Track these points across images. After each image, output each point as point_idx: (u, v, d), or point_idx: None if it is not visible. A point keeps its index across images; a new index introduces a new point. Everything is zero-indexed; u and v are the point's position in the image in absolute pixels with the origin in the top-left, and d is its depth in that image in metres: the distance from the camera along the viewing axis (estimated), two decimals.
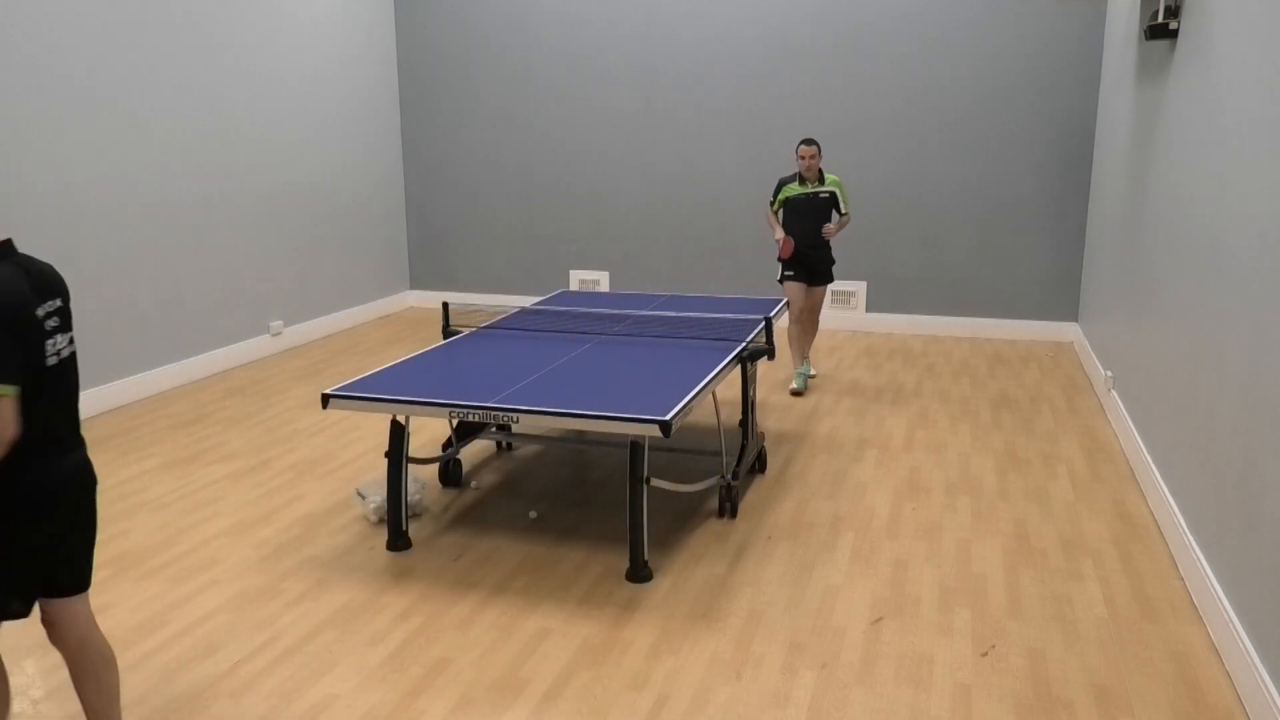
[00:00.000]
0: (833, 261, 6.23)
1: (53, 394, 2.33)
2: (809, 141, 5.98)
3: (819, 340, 7.60)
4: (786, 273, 6.17)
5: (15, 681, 3.05)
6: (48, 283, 2.32)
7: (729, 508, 4.25)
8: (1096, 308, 6.48)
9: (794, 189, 6.09)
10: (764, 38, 7.73)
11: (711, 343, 4.52)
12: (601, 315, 5.18)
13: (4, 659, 3.12)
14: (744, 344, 4.46)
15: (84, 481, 2.45)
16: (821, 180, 6.06)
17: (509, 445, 5.21)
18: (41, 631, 3.33)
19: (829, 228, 6.04)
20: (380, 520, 4.16)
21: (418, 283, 9.12)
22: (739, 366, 4.44)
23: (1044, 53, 7.20)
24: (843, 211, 6.11)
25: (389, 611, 3.46)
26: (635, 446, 3.61)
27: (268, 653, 3.20)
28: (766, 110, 7.84)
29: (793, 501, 4.43)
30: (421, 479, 4.41)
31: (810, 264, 6.13)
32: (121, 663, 3.14)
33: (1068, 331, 7.52)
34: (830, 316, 7.96)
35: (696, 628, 3.34)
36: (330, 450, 5.15)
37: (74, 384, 2.41)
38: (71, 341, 2.39)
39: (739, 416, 4.75)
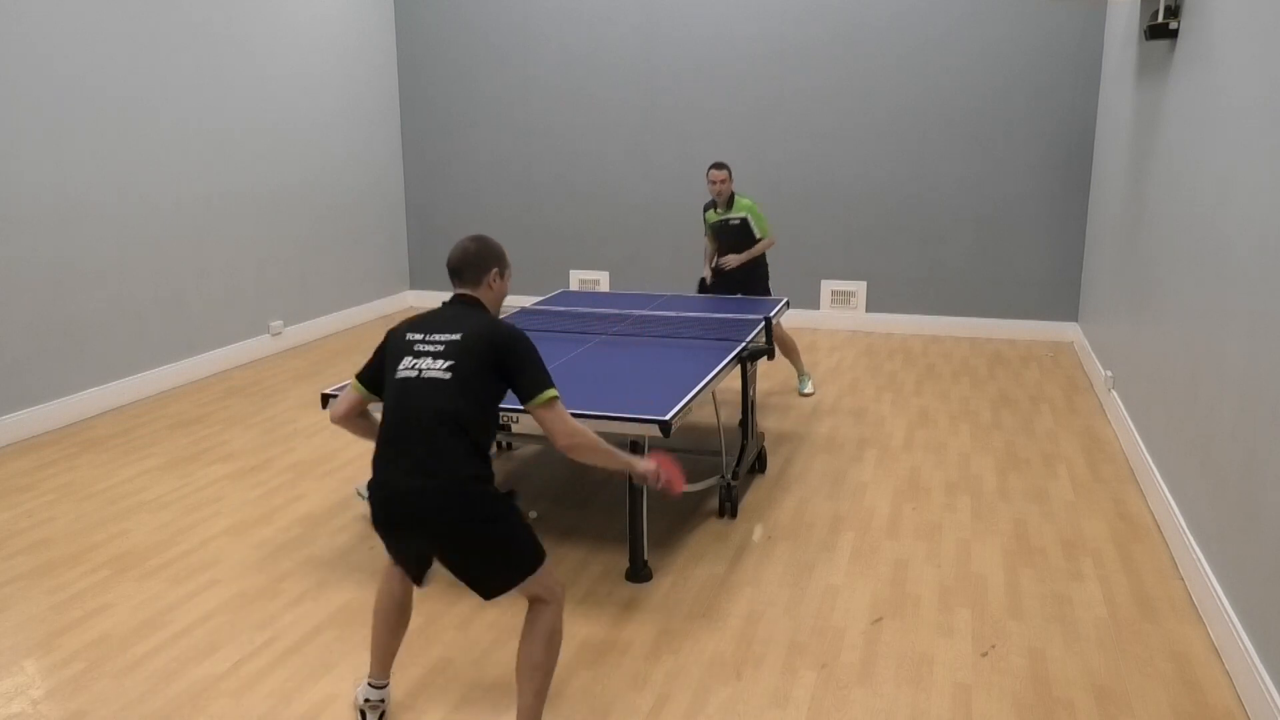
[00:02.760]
0: (761, 278, 5.93)
1: (391, 405, 2.57)
2: (718, 165, 5.72)
3: (818, 339, 7.60)
4: (704, 281, 6.04)
5: (15, 681, 3.05)
6: (441, 322, 2.63)
7: (729, 508, 4.25)
8: (1096, 308, 6.48)
9: (711, 216, 5.91)
10: (764, 37, 7.73)
11: (711, 343, 4.52)
12: (601, 315, 5.18)
13: (8, 655, 3.13)
14: (744, 344, 4.46)
15: (383, 505, 2.53)
16: (730, 206, 5.80)
17: (509, 445, 5.21)
18: (42, 631, 3.34)
19: (729, 258, 5.78)
20: None
21: (418, 282, 9.12)
22: (739, 366, 4.44)
23: (1044, 52, 7.20)
24: (758, 237, 5.82)
25: None
26: (635, 446, 3.61)
27: (268, 653, 3.20)
28: (766, 110, 7.84)
29: (793, 501, 4.43)
30: None
31: (729, 286, 5.91)
32: (121, 662, 3.14)
33: (1068, 331, 7.52)
34: (830, 316, 7.96)
35: (696, 628, 3.34)
36: (330, 450, 5.15)
37: (411, 406, 2.52)
38: (446, 370, 2.53)
39: (739, 416, 4.75)
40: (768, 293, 5.97)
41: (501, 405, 3.52)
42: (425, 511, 2.44)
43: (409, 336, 2.61)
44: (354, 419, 2.82)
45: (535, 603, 2.59)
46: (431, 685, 3.01)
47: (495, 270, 2.72)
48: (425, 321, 2.63)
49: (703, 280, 6.03)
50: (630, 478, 2.71)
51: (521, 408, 3.55)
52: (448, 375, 2.51)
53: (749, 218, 5.81)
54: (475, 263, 2.69)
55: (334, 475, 4.79)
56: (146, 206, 6.10)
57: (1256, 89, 3.23)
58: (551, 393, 2.55)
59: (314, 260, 7.72)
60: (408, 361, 2.57)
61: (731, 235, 5.86)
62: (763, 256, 5.93)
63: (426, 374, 2.52)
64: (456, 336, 2.56)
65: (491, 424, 2.58)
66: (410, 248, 9.07)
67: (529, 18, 8.26)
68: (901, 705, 2.90)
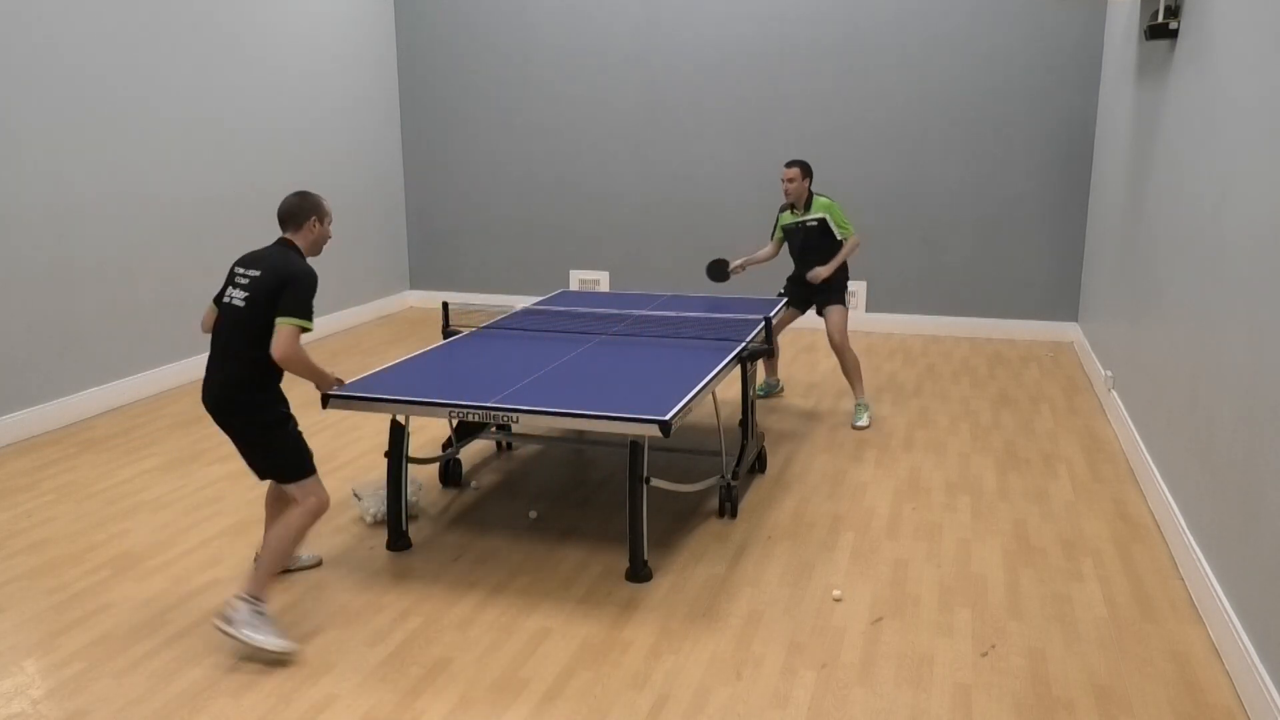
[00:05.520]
0: (840, 286, 5.59)
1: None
2: (791, 163, 5.41)
3: (818, 339, 7.60)
4: (779, 292, 5.79)
5: (15, 681, 3.05)
6: (255, 260, 3.30)
7: (729, 508, 4.24)
8: (1096, 308, 6.48)
9: (786, 218, 5.59)
10: (764, 37, 7.73)
11: (711, 343, 4.52)
12: (601, 315, 5.18)
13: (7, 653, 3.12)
14: (744, 344, 4.46)
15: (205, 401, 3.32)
16: (809, 207, 5.47)
17: (509, 445, 5.21)
18: (42, 631, 3.34)
19: (817, 271, 5.44)
20: (373, 523, 4.16)
21: (417, 282, 9.12)
22: (739, 366, 4.44)
23: (1044, 53, 7.20)
24: (838, 238, 5.48)
25: (389, 611, 3.46)
26: (635, 446, 3.61)
27: (268, 653, 3.19)
28: (766, 110, 7.84)
29: (793, 501, 4.43)
30: (419, 480, 4.41)
31: (806, 291, 5.63)
32: (121, 663, 3.14)
33: (1068, 331, 7.52)
34: None
35: (696, 628, 3.34)
36: (330, 450, 5.15)
37: (223, 324, 3.30)
38: (244, 301, 3.23)
39: (739, 416, 4.75)
40: (837, 298, 5.59)
41: (501, 405, 3.53)
42: (212, 405, 3.27)
43: (235, 269, 3.33)
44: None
45: (292, 502, 3.32)
46: (431, 685, 3.01)
47: (314, 218, 3.38)
48: (249, 258, 3.33)
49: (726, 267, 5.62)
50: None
51: (518, 407, 3.56)
52: (243, 305, 3.23)
53: (828, 218, 5.44)
54: (297, 213, 3.36)
55: (333, 475, 4.79)
56: (146, 206, 6.10)
57: (1256, 89, 3.23)
58: (295, 322, 3.19)
59: (314, 260, 7.70)
60: (228, 290, 3.30)
61: (808, 238, 5.52)
62: (844, 263, 5.55)
63: (233, 301, 3.26)
64: (258, 274, 3.24)
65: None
66: (410, 248, 9.06)
67: (529, 17, 8.26)
68: (901, 705, 2.90)
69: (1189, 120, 4.17)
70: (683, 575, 3.72)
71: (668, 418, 3.36)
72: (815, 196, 5.50)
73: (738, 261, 5.75)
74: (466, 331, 4.84)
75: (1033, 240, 7.48)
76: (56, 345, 5.53)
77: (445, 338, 4.78)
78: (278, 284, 3.20)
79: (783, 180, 5.47)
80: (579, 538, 4.06)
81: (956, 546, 3.96)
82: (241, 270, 3.29)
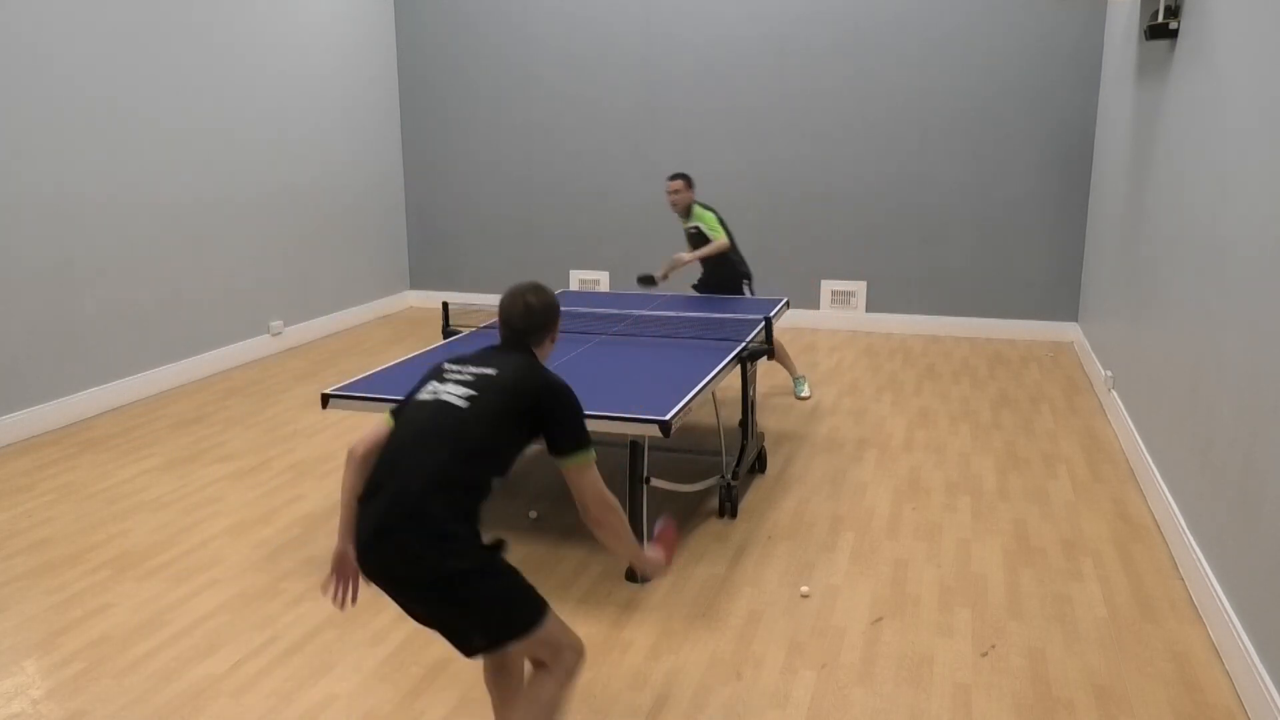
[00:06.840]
0: (742, 278, 5.90)
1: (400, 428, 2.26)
2: (674, 176, 5.78)
3: (818, 339, 7.60)
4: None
5: (15, 681, 3.05)
6: (483, 359, 2.34)
7: (729, 508, 4.25)
8: (1096, 308, 6.48)
9: (682, 223, 6.02)
10: (764, 37, 7.73)
11: (711, 343, 4.52)
12: (601, 315, 5.18)
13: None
14: (744, 344, 4.46)
15: (365, 540, 2.12)
16: (689, 216, 5.83)
17: None
18: (42, 631, 3.34)
19: (679, 256, 5.76)
20: None
21: (418, 282, 9.12)
22: (739, 366, 4.44)
23: (1044, 53, 7.20)
24: (709, 239, 5.80)
25: (389, 611, 3.45)
26: (635, 446, 3.61)
27: (268, 653, 3.20)
28: (766, 110, 7.84)
29: (793, 501, 4.43)
30: None
31: (709, 291, 5.97)
32: (121, 662, 3.14)
33: (1068, 331, 7.52)
34: (830, 316, 7.96)
35: (696, 628, 3.34)
36: (330, 450, 5.15)
37: (422, 438, 2.18)
38: (464, 399, 2.22)
39: (739, 416, 4.75)
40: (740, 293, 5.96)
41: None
42: (402, 561, 2.09)
43: (445, 364, 2.35)
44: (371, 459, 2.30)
45: (536, 665, 2.26)
46: (432, 685, 3.01)
47: (554, 329, 2.44)
48: (468, 355, 2.38)
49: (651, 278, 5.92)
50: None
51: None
52: (464, 404, 2.21)
53: (701, 227, 5.81)
54: (540, 324, 2.40)
55: (334, 475, 4.79)
56: (146, 206, 6.10)
57: (1256, 88, 3.23)
58: (588, 457, 2.26)
59: (314, 260, 7.72)
60: (431, 386, 2.29)
61: (694, 243, 5.94)
62: (733, 265, 5.86)
63: (441, 396, 2.24)
64: (491, 371, 2.27)
65: (493, 472, 2.21)
66: (410, 248, 9.06)
67: (529, 18, 8.26)
68: (901, 705, 2.90)
69: (1189, 120, 4.17)
70: (683, 575, 3.72)
71: (668, 418, 3.36)
72: (696, 207, 5.84)
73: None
74: (467, 331, 4.84)
75: (1033, 240, 7.48)
76: (56, 345, 5.53)
77: (445, 338, 4.78)
78: (531, 394, 2.24)
79: (667, 192, 5.84)
80: (579, 538, 4.06)
81: (956, 546, 3.96)
82: (457, 368, 2.31)
